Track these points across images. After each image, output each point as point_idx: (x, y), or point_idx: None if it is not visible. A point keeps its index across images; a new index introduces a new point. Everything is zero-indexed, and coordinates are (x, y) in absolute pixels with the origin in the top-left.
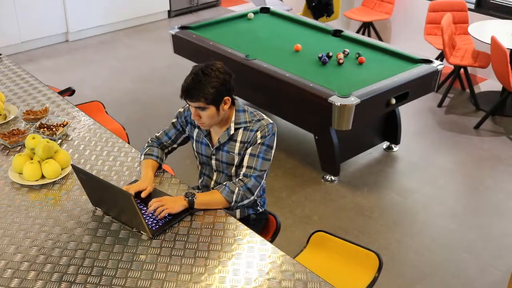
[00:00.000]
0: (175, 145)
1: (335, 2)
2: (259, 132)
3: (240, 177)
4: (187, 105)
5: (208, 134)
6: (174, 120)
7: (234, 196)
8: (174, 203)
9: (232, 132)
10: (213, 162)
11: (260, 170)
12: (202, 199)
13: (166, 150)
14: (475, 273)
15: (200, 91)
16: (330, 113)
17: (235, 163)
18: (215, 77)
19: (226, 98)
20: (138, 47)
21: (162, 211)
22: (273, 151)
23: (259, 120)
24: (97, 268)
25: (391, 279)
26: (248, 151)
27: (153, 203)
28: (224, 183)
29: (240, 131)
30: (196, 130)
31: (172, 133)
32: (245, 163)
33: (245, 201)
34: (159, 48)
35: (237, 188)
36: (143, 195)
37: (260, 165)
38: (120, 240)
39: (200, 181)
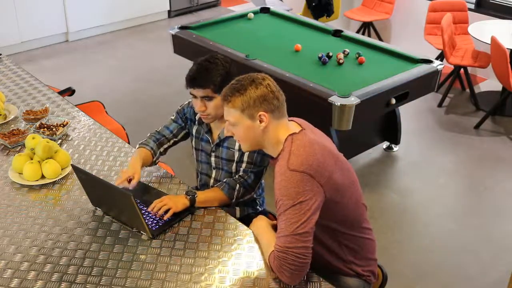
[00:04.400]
0: (175, 139)
1: (335, 2)
2: None
3: (240, 174)
4: (187, 102)
5: (209, 130)
6: (173, 116)
7: (235, 193)
8: (176, 202)
9: (225, 134)
10: (213, 159)
11: (260, 165)
12: (203, 196)
13: (166, 145)
14: (475, 273)
15: (208, 78)
16: (330, 113)
17: (235, 159)
18: (221, 65)
19: None
20: (138, 47)
21: (167, 212)
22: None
23: None
24: (97, 268)
25: (391, 279)
26: None
27: (156, 204)
28: (224, 180)
29: None
30: (196, 126)
31: (173, 126)
32: (245, 158)
33: (246, 197)
34: (159, 48)
35: (237, 185)
36: (133, 181)
37: (260, 161)
38: (120, 240)
39: (198, 180)
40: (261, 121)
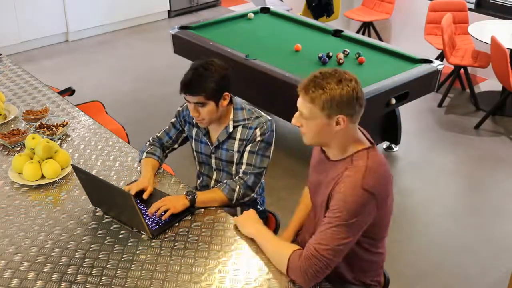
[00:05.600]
0: (176, 145)
1: (335, 2)
2: (258, 129)
3: (240, 175)
4: (185, 104)
5: (207, 133)
6: (173, 120)
7: (235, 194)
8: (175, 202)
9: (231, 130)
10: (213, 160)
11: (260, 167)
12: (203, 197)
13: (167, 151)
14: (475, 273)
15: (200, 85)
16: None
17: (235, 160)
18: (215, 72)
19: (225, 93)
20: (138, 47)
21: (166, 212)
22: (272, 147)
23: (257, 117)
24: (97, 268)
25: (391, 279)
26: (248, 148)
27: (155, 205)
28: (224, 181)
29: (239, 128)
30: (195, 129)
31: (172, 132)
32: (244, 160)
33: (246, 198)
34: (159, 48)
35: (237, 186)
36: (144, 196)
37: (260, 162)
38: (120, 240)
39: (199, 181)
40: (337, 124)
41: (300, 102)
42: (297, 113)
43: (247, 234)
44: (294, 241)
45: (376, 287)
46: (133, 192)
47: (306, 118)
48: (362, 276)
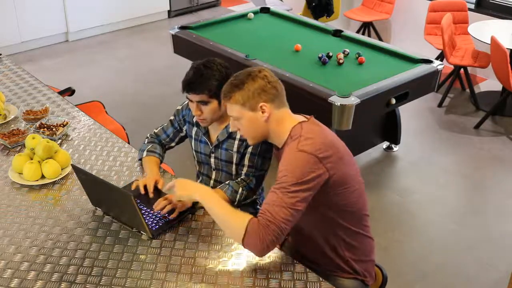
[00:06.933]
0: (172, 144)
1: (335, 2)
2: None
3: (242, 177)
4: (185, 103)
5: (207, 132)
6: (172, 118)
7: (238, 196)
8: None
9: (231, 129)
10: (212, 160)
11: (261, 169)
12: None
13: (164, 148)
14: (475, 273)
15: (203, 83)
16: (330, 113)
17: (234, 161)
18: (217, 71)
19: None
20: (138, 47)
21: (171, 212)
22: (273, 149)
23: None
24: (97, 268)
25: (391, 279)
26: (249, 150)
27: (160, 202)
28: (227, 182)
29: None
30: (195, 128)
31: (170, 131)
32: (246, 162)
33: (247, 200)
34: (159, 48)
35: (240, 188)
36: (159, 186)
37: (261, 164)
38: (120, 240)
39: (198, 181)
40: (263, 112)
41: (227, 108)
42: (230, 119)
43: (190, 197)
44: None
45: (367, 279)
46: (150, 187)
47: (238, 119)
48: (351, 261)
